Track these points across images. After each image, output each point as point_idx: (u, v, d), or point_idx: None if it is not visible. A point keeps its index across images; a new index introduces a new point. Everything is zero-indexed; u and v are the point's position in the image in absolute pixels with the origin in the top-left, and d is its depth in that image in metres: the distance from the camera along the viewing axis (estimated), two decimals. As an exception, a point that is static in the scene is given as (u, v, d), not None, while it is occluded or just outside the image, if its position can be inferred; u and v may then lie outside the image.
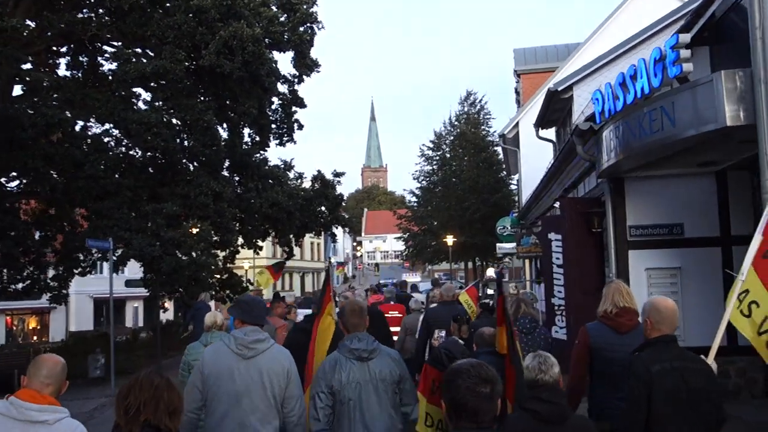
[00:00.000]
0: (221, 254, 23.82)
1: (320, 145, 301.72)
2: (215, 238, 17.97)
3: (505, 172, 41.28)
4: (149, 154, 17.91)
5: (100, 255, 16.89)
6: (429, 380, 4.41)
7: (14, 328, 44.80)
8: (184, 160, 18.11)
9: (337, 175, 23.37)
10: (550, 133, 19.63)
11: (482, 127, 43.44)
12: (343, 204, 23.59)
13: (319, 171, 23.17)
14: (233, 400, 3.94)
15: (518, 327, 5.73)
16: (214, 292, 22.49)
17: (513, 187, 43.36)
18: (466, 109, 43.92)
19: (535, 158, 23.35)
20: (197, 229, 15.54)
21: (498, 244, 23.60)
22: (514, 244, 22.54)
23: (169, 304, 35.97)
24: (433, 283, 15.88)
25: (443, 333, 6.98)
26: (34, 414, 3.08)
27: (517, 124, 25.78)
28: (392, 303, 11.11)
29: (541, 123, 18.77)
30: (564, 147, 10.51)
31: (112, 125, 16.59)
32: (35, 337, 43.17)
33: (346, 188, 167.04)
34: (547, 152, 21.12)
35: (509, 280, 56.64)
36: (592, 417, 4.38)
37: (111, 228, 15.28)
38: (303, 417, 4.13)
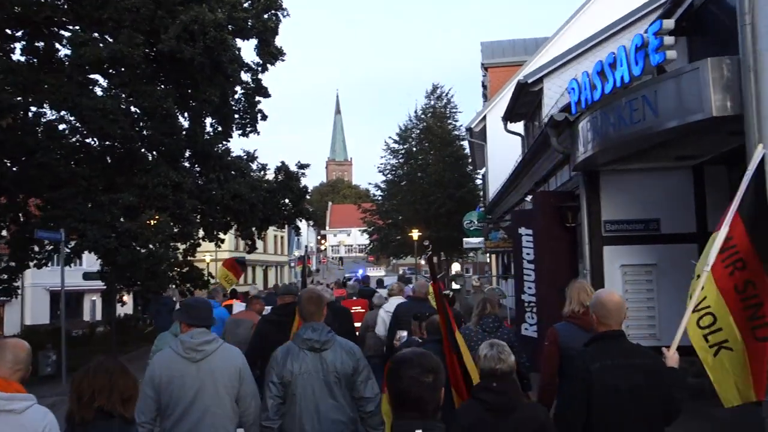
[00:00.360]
0: (181, 247, 23.28)
1: (285, 137, 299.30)
2: (174, 230, 17.30)
3: (471, 167, 41.14)
4: (107, 142, 17.16)
5: (52, 247, 16.09)
6: None
7: (-29, 319, 43.56)
8: (143, 150, 17.36)
9: (302, 167, 22.84)
10: (519, 126, 19.41)
11: (449, 121, 43.19)
12: (308, 197, 23.04)
13: (282, 162, 22.63)
14: (187, 405, 3.89)
15: (482, 326, 5.79)
16: (174, 286, 21.94)
17: (479, 181, 43.38)
18: (432, 102, 43.61)
19: (503, 152, 23.24)
20: (155, 221, 14.88)
21: (465, 239, 23.35)
22: (481, 239, 22.31)
23: (127, 298, 35.05)
24: (400, 278, 15.45)
25: (404, 333, 6.97)
26: (2, 403, 2.98)
27: (485, 117, 25.58)
28: (355, 298, 11.01)
29: (510, 116, 18.53)
30: (537, 139, 10.24)
31: (67, 112, 15.78)
32: (-1, 329, 42.05)
33: (310, 181, 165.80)
34: (516, 146, 20.98)
35: (471, 274, 56.96)
36: (558, 418, 4.35)
37: (64, 219, 14.56)
38: (257, 414, 4.10)
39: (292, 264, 69.74)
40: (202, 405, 3.91)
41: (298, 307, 4.41)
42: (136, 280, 15.37)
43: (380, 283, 19.24)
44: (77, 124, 15.58)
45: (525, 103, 17.27)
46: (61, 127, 16.53)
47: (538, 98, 16.41)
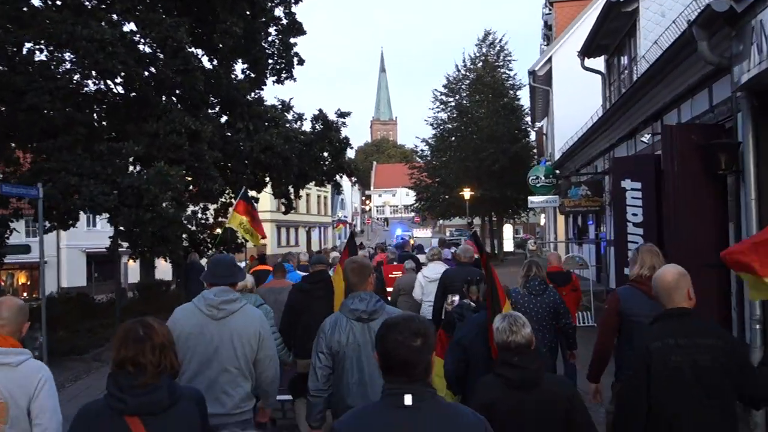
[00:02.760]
0: (212, 207, 20.95)
1: (328, 97, 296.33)
2: (190, 187, 14.79)
3: (528, 119, 37.72)
4: (111, 83, 14.70)
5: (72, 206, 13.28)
6: (442, 345, 4.70)
7: (2, 283, 43.07)
8: (154, 93, 14.81)
9: (342, 115, 20.08)
10: (599, 63, 16.24)
11: (502, 71, 39.62)
12: (350, 149, 20.33)
13: (320, 110, 19.91)
14: (203, 361, 3.84)
15: (528, 289, 5.77)
16: (207, 249, 19.75)
17: (533, 136, 39.96)
18: (484, 50, 40.01)
19: (571, 98, 20.55)
20: (168, 175, 12.39)
21: (530, 198, 20.37)
22: (548, 197, 19.32)
23: (161, 261, 33.08)
24: (440, 242, 14.14)
25: (456, 298, 6.89)
26: None
27: (550, 59, 22.48)
28: (396, 263, 11.00)
29: (589, 50, 15.38)
30: (670, 48, 7.22)
31: (67, 49, 13.27)
32: (25, 294, 41.49)
33: (354, 141, 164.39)
34: (589, 89, 17.97)
35: (528, 237, 53.74)
36: (618, 380, 4.34)
37: (58, 172, 12.16)
38: (275, 378, 4.12)
39: (334, 225, 67.39)
40: (218, 364, 3.86)
41: (344, 278, 4.26)
42: (141, 246, 12.96)
43: (420, 248, 18.73)
44: (74, 59, 13.04)
45: (611, 31, 14.10)
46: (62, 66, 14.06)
47: (630, 23, 13.25)
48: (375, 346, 2.48)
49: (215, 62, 17.88)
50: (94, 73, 13.71)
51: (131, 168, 13.94)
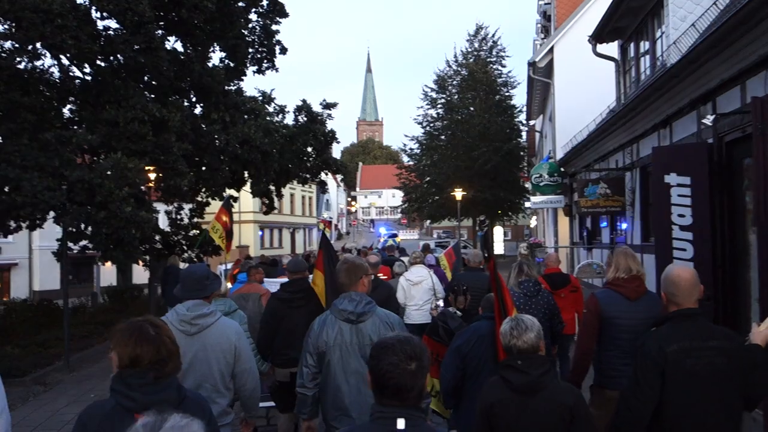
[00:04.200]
0: (186, 207, 19.24)
1: (312, 98, 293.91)
2: (152, 183, 13.06)
3: (522, 116, 36.25)
4: (72, 65, 12.96)
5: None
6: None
7: (-32, 287, 41.11)
8: (114, 76, 13.06)
9: (327, 106, 18.42)
10: (611, 49, 14.71)
11: (494, 67, 38.13)
12: (337, 142, 18.63)
13: (304, 101, 18.24)
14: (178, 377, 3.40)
15: (521, 290, 5.77)
16: (182, 252, 18.12)
17: (524, 135, 38.49)
18: (476, 45, 38.50)
19: (575, 90, 19.15)
20: (127, 167, 10.67)
21: (532, 198, 18.81)
22: (551, 197, 17.77)
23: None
24: (424, 249, 13.77)
25: (441, 303, 6.96)
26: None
27: (552, 50, 20.97)
28: (380, 266, 10.22)
29: (602, 34, 13.84)
30: (738, 13, 5.66)
31: (7, 21, 11.50)
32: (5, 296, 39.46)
33: (340, 142, 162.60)
34: (594, 80, 16.95)
35: (520, 239, 52.25)
36: (597, 383, 4.41)
37: (-3, 164, 10.42)
38: (256, 390, 4.05)
39: (321, 226, 65.55)
40: (193, 380, 3.72)
41: (336, 278, 4.16)
42: (95, 248, 11.21)
43: (402, 251, 18.43)
44: (13, 31, 11.26)
45: (630, 11, 12.57)
46: (7, 44, 12.29)
47: (652, 1, 11.74)
48: (369, 366, 2.37)
49: (189, 49, 16.19)
50: (44, 51, 11.98)
51: (87, 161, 12.18)
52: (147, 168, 13.14)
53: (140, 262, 15.87)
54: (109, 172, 10.72)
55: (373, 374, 2.30)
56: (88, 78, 13.35)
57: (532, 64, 21.39)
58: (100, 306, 23.16)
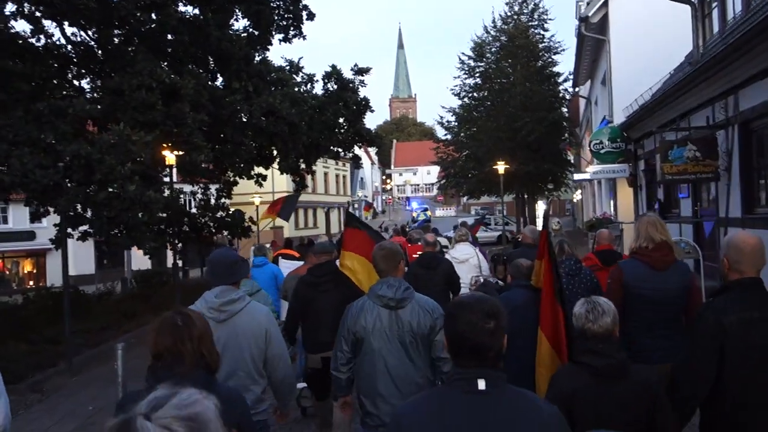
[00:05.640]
0: (212, 188, 17.92)
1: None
2: (172, 154, 11.56)
3: (567, 84, 34.05)
4: (75, 30, 11.54)
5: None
6: None
7: (7, 272, 40.95)
8: (122, 40, 11.58)
9: (360, 72, 16.73)
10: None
11: (535, 31, 35.85)
12: (371, 111, 16.92)
13: (333, 66, 16.58)
14: None
15: (563, 269, 5.40)
16: (209, 234, 16.95)
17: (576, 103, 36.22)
18: (516, 9, 36.20)
19: (633, 47, 17.27)
20: (132, 139, 9.19)
21: (590, 168, 16.91)
22: (614, 166, 15.85)
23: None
24: (463, 224, 13.61)
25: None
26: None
27: (606, 3, 18.84)
28: (419, 243, 9.97)
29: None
30: None
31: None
32: (31, 282, 39.14)
33: (373, 120, 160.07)
34: (656, 36, 15.66)
35: (562, 215, 50.16)
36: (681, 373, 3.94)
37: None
38: (288, 375, 3.91)
39: (356, 206, 64.16)
40: (227, 367, 3.47)
41: (373, 264, 4.12)
42: (96, 234, 9.81)
43: (435, 231, 16.79)
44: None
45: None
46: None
47: None
48: (444, 327, 2.33)
49: (209, 14, 14.67)
50: (37, 12, 10.53)
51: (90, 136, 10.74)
52: (165, 145, 11.75)
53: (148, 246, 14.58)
54: (113, 145, 9.22)
55: (449, 335, 2.25)
56: (93, 44, 11.88)
57: (584, 20, 19.32)
58: (128, 292, 22.07)
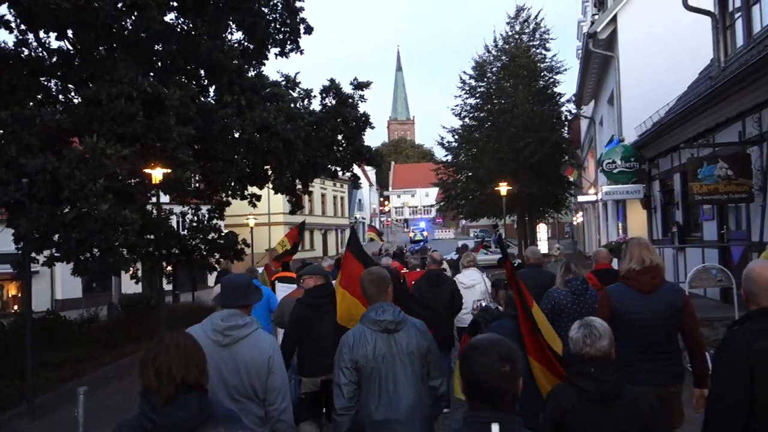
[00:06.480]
0: (204, 208, 17.01)
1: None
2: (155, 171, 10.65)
3: (570, 103, 33.31)
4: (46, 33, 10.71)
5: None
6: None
7: (-10, 296, 39.71)
8: (100, 44, 10.75)
9: (359, 86, 15.93)
10: (707, 1, 11.96)
11: (536, 51, 35.26)
12: (371, 127, 16.07)
13: (332, 80, 15.78)
14: (209, 388, 3.14)
15: (569, 289, 5.64)
16: (199, 257, 16.07)
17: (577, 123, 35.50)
18: (517, 28, 35.62)
19: (644, 63, 16.86)
20: (106, 152, 8.30)
21: (603, 188, 16.03)
22: (628, 186, 14.99)
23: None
24: (464, 248, 13.42)
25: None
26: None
27: (615, 18, 18.16)
28: (418, 270, 10.69)
29: (696, -19, 11.11)
30: None
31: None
32: (16, 306, 37.76)
33: (371, 141, 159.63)
34: (669, 51, 15.42)
35: (560, 238, 49.21)
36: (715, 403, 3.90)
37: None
38: (287, 412, 3.66)
39: (366, 229, 63.29)
40: (223, 394, 3.48)
41: (361, 290, 4.11)
42: (62, 258, 8.88)
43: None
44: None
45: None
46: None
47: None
48: (460, 369, 2.29)
49: (198, 23, 13.88)
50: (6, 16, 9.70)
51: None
52: (147, 161, 10.86)
53: (126, 270, 13.44)
54: (84, 159, 8.32)
55: (464, 377, 2.23)
56: (70, 49, 11.04)
57: (591, 36, 18.61)
58: (112, 318, 20.92)
